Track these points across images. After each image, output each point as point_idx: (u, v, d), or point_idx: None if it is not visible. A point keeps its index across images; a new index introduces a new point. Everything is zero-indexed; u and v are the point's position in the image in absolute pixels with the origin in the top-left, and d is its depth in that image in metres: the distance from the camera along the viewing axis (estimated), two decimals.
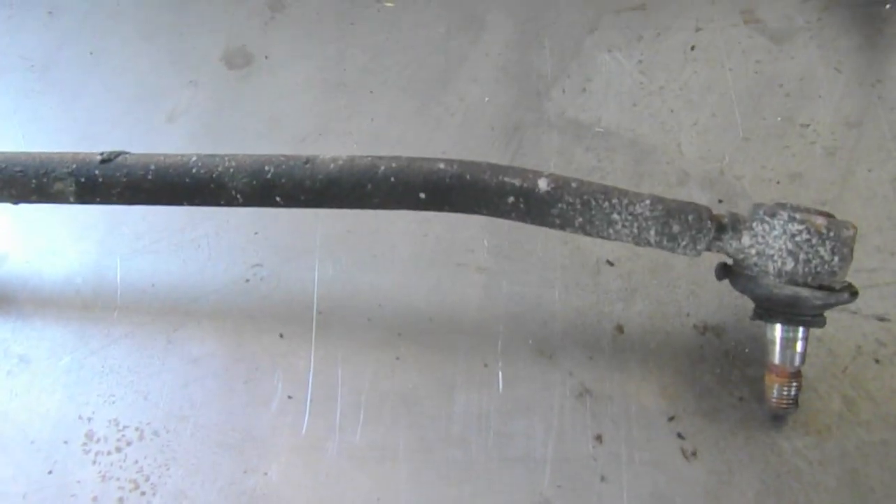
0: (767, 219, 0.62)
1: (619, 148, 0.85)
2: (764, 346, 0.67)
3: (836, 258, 0.61)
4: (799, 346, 0.65)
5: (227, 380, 0.72)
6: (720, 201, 0.81)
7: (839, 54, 0.92)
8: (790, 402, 0.65)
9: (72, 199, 0.69)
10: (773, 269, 0.62)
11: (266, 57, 0.95)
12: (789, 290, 0.62)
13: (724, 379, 0.70)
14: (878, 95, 0.88)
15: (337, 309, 0.75)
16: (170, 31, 0.98)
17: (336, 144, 0.87)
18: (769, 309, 0.65)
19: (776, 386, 0.65)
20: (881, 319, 0.72)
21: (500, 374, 0.71)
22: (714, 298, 0.74)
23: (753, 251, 0.63)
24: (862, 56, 0.92)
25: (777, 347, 0.65)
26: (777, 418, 0.68)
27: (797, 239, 0.61)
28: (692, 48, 0.93)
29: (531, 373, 0.71)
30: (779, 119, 0.87)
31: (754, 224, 0.63)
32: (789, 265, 0.61)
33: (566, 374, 0.71)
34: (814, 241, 0.61)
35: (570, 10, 0.98)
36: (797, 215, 0.62)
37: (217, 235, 0.80)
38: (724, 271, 0.67)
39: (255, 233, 0.80)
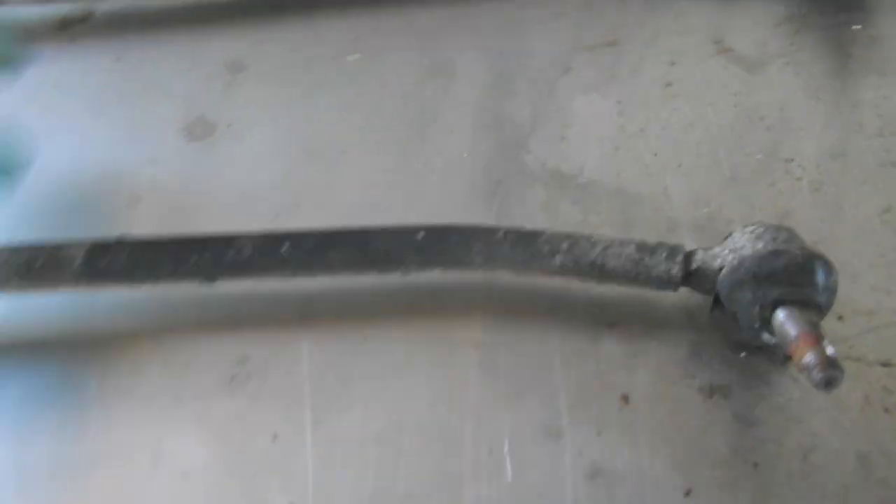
0: (728, 236, 0.70)
1: (605, 197, 0.83)
2: (778, 344, 0.65)
3: (796, 241, 0.67)
4: (806, 314, 0.64)
5: (221, 494, 0.68)
6: None
7: (816, 80, 0.90)
8: (831, 362, 0.59)
9: (77, 264, 0.70)
10: (751, 249, 0.66)
11: (229, 125, 0.90)
12: (771, 246, 0.65)
13: (737, 444, 0.68)
14: (858, 123, 0.87)
15: (331, 402, 0.72)
16: (122, 102, 0.93)
17: (313, 215, 0.83)
18: (762, 297, 0.65)
19: (809, 352, 0.60)
20: (885, 365, 0.71)
21: (508, 460, 0.68)
22: (717, 356, 0.72)
23: (727, 251, 0.68)
24: (838, 81, 0.90)
25: (789, 324, 0.63)
26: (828, 385, 0.60)
27: (757, 231, 0.68)
28: (669, 84, 0.91)
29: (540, 456, 0.69)
30: (763, 155, 0.85)
31: (718, 246, 0.69)
32: (760, 244, 0.66)
33: (576, 454, 0.68)
34: (771, 230, 0.68)
35: (541, 49, 0.95)
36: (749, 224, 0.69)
37: (198, 328, 0.76)
38: (716, 301, 0.69)
39: (237, 324, 0.76)
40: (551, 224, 0.81)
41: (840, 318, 0.73)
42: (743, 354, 0.71)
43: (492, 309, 0.76)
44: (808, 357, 0.60)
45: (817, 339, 0.61)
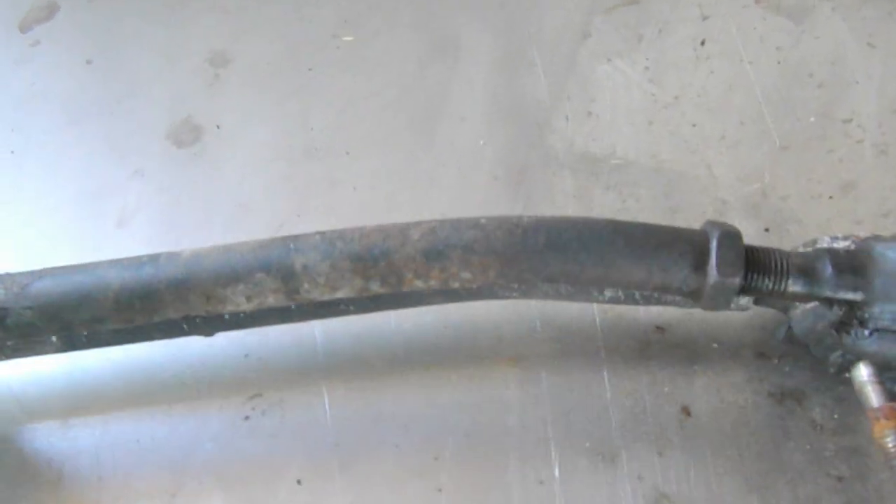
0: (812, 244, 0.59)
1: (643, 181, 0.74)
2: (858, 396, 0.57)
3: None
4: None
5: None
6: (766, 230, 0.70)
7: (869, 26, 0.80)
8: None
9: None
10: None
11: (218, 126, 0.81)
12: None
13: (817, 456, 0.61)
14: None
15: (358, 438, 0.64)
16: (101, 110, 0.84)
17: (318, 225, 0.73)
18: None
19: (891, 434, 0.54)
20: None
21: (559, 491, 0.61)
22: (786, 356, 0.64)
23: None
24: (894, 23, 0.80)
25: (870, 388, 0.56)
26: None
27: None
28: (702, 43, 0.82)
29: (595, 483, 0.61)
30: (816, 117, 0.76)
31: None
32: None
33: (635, 479, 0.61)
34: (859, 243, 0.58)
35: (554, 14, 0.85)
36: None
37: (203, 366, 0.68)
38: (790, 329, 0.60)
39: (246, 355, 0.68)
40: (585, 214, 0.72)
41: None
42: None
43: (526, 317, 0.68)
44: (891, 440, 0.54)
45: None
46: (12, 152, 0.82)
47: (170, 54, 0.87)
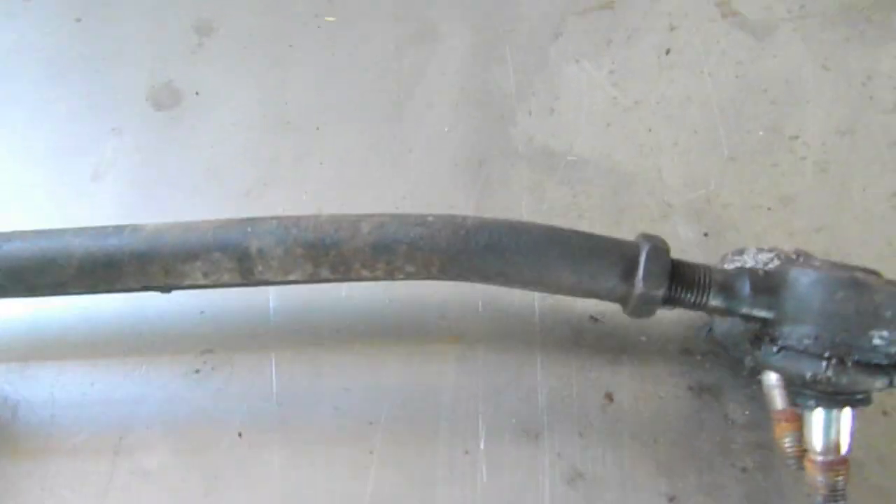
0: (739, 254, 0.63)
1: (596, 179, 0.78)
2: (766, 398, 0.61)
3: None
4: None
5: (184, 494, 0.65)
6: (706, 234, 0.74)
7: (826, 49, 0.84)
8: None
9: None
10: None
11: (197, 93, 0.84)
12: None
13: (726, 448, 0.65)
14: (870, 96, 0.81)
15: (300, 398, 0.68)
16: (84, 67, 0.86)
17: (283, 195, 0.78)
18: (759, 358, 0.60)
19: (788, 437, 0.59)
20: None
21: (484, 462, 0.65)
22: (708, 353, 0.68)
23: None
24: (850, 50, 0.84)
25: (776, 392, 0.60)
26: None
27: (770, 265, 0.60)
28: (667, 52, 0.85)
29: (517, 457, 0.65)
30: (765, 132, 0.80)
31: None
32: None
33: (555, 456, 0.65)
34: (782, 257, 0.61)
35: (531, 13, 0.89)
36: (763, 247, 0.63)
37: (160, 320, 0.72)
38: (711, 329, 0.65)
39: (202, 312, 0.72)
40: (538, 208, 0.76)
41: None
42: None
43: (469, 298, 0.72)
44: (787, 442, 0.58)
45: (799, 421, 0.58)
46: None
47: (157, 19, 0.89)
